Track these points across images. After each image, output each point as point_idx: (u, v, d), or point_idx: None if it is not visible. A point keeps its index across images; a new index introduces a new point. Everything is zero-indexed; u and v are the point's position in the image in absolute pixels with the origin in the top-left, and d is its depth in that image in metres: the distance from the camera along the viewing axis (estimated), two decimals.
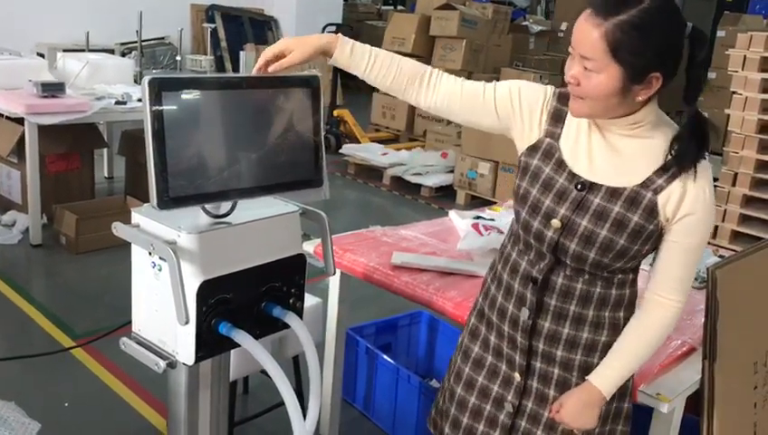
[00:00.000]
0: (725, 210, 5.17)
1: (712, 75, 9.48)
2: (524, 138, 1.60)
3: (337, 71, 7.94)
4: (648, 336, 1.57)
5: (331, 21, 8.31)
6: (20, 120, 4.23)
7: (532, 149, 1.59)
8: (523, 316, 1.59)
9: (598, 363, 1.59)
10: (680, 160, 1.45)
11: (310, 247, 2.34)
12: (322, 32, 7.67)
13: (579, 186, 1.51)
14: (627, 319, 1.60)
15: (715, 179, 5.45)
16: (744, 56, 5.15)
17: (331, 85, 7.84)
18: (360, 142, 7.45)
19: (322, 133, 1.62)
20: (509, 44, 8.57)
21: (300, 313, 1.67)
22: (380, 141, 7.62)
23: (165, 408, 2.36)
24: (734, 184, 5.16)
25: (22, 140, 4.27)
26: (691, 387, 1.85)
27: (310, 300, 2.53)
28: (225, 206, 1.53)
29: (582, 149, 1.53)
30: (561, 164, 1.54)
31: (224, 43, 9.28)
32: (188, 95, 1.40)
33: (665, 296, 1.54)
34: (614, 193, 1.49)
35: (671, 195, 1.47)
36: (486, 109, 1.60)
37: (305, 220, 1.69)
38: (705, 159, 1.49)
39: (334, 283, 2.57)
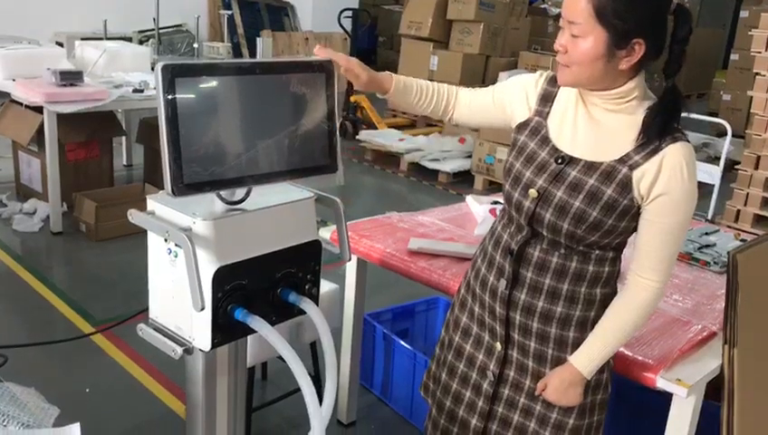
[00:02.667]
0: (748, 194, 5.11)
1: (735, 57, 9.34)
2: (519, 118, 1.69)
3: (353, 56, 7.92)
4: (629, 317, 1.59)
5: (348, 6, 8.26)
6: (39, 109, 4.27)
7: (522, 126, 1.67)
8: (500, 287, 1.65)
9: (573, 337, 1.63)
10: (647, 130, 1.48)
11: (326, 233, 2.34)
12: (339, 17, 7.65)
13: (559, 160, 1.57)
14: (605, 295, 1.63)
15: (737, 163, 5.38)
16: None
17: None
18: (377, 128, 7.43)
19: (337, 118, 1.61)
20: (527, 28, 8.49)
21: (316, 299, 1.67)
22: (398, 127, 7.60)
23: (184, 393, 2.38)
24: (756, 167, 5.09)
25: (41, 129, 4.31)
26: (711, 373, 1.83)
27: (327, 286, 2.53)
28: (239, 192, 1.53)
29: (568, 125, 1.59)
30: (545, 140, 1.61)
31: (240, 30, 9.28)
32: (202, 81, 1.39)
33: (644, 277, 1.56)
34: (591, 167, 1.54)
35: (646, 172, 1.49)
36: (498, 108, 1.73)
37: (323, 207, 1.68)
38: (686, 140, 1.50)
39: (351, 269, 2.57)
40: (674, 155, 1.47)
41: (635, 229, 1.57)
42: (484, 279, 1.71)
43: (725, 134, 5.20)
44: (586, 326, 1.64)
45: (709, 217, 5.01)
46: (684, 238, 1.58)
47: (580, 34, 1.45)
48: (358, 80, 1.65)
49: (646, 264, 1.55)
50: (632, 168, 1.50)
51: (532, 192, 1.57)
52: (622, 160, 1.51)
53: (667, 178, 1.48)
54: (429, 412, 1.90)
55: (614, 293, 1.66)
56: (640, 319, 1.59)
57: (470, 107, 1.76)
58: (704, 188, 5.45)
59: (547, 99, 1.65)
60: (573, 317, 1.62)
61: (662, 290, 1.58)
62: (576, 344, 1.64)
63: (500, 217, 1.74)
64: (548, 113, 1.63)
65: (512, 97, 1.70)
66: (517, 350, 1.69)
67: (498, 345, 1.70)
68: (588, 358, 1.61)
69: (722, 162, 5.11)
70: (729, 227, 4.29)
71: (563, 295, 1.61)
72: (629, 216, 1.53)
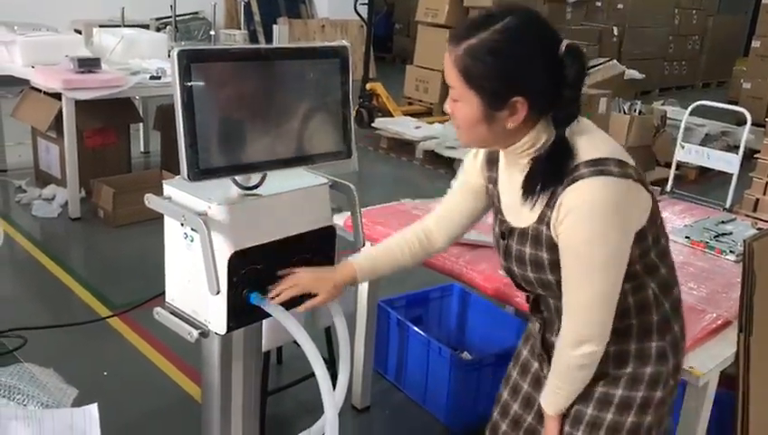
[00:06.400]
0: (767, 183, 5.04)
1: (756, 44, 9.20)
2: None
3: (369, 43, 7.90)
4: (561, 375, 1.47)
5: None
6: (58, 96, 4.31)
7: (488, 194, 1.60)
8: (535, 329, 1.64)
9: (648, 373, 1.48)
10: (528, 184, 1.37)
11: (340, 220, 2.35)
12: (355, 3, 7.60)
13: (502, 235, 1.51)
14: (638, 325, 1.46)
15: (757, 151, 5.32)
16: None
17: (363, 58, 7.79)
18: (392, 116, 7.42)
19: (351, 105, 1.61)
20: (545, 15, 8.40)
21: None
22: (413, 115, 7.58)
23: (199, 376, 2.41)
24: None
25: (60, 116, 4.34)
26: (725, 361, 1.82)
27: None
28: (255, 177, 1.54)
29: (507, 188, 1.48)
30: (498, 211, 1.54)
31: (257, 18, 9.29)
32: (217, 67, 1.40)
33: (565, 327, 1.40)
34: (522, 234, 1.43)
35: (555, 224, 1.35)
36: (468, 203, 1.65)
37: (338, 194, 1.69)
38: (589, 175, 1.29)
39: None
40: (570, 199, 1.31)
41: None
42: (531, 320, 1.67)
43: (745, 123, 5.14)
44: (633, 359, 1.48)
45: (727, 206, 4.96)
46: (605, 288, 1.34)
47: (458, 99, 1.36)
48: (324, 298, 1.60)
49: (568, 308, 1.39)
50: (548, 225, 1.36)
51: (503, 272, 1.57)
52: (540, 220, 1.38)
53: (569, 201, 1.31)
54: None
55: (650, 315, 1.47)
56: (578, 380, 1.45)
57: (452, 231, 1.68)
58: (722, 177, 5.40)
59: (492, 161, 1.53)
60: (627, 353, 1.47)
61: (593, 353, 1.38)
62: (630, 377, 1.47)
63: None
64: (496, 178, 1.53)
65: (472, 182, 1.61)
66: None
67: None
68: (551, 403, 1.51)
69: (741, 151, 5.05)
70: (747, 216, 4.25)
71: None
72: None
